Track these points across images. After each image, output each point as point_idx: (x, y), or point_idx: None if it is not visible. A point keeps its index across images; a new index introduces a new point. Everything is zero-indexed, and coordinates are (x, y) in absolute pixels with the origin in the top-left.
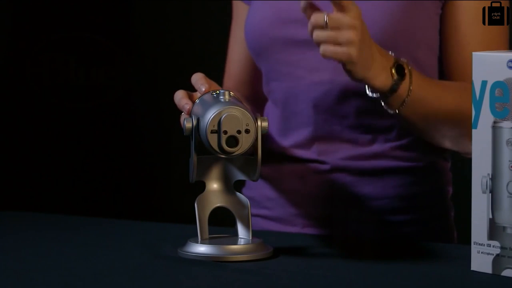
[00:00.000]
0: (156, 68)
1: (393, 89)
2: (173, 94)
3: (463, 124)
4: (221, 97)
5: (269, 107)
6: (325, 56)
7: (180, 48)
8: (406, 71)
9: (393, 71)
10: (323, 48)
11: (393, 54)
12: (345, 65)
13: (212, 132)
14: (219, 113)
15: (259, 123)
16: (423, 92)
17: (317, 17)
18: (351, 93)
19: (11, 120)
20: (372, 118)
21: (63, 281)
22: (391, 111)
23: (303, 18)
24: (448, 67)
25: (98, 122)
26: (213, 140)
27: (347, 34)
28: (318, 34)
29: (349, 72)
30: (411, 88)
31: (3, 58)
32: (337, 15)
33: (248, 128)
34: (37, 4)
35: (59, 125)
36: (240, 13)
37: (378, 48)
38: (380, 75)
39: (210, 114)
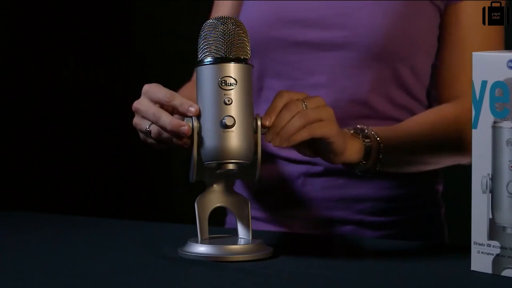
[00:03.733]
0: (156, 68)
1: (367, 151)
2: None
3: (446, 149)
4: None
5: (260, 105)
6: (315, 135)
7: (180, 48)
8: (366, 130)
9: (355, 135)
10: (312, 128)
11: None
12: (328, 151)
13: None
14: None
15: (259, 123)
16: (391, 141)
17: (297, 104)
18: (346, 98)
19: (11, 120)
20: (365, 123)
21: (64, 281)
22: (369, 175)
23: (302, 19)
24: (441, 74)
25: (98, 122)
26: None
27: (328, 110)
28: (308, 115)
29: (330, 154)
30: (379, 140)
31: (3, 58)
32: (311, 99)
33: None
34: (37, 4)
35: (59, 125)
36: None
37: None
38: (350, 149)
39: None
